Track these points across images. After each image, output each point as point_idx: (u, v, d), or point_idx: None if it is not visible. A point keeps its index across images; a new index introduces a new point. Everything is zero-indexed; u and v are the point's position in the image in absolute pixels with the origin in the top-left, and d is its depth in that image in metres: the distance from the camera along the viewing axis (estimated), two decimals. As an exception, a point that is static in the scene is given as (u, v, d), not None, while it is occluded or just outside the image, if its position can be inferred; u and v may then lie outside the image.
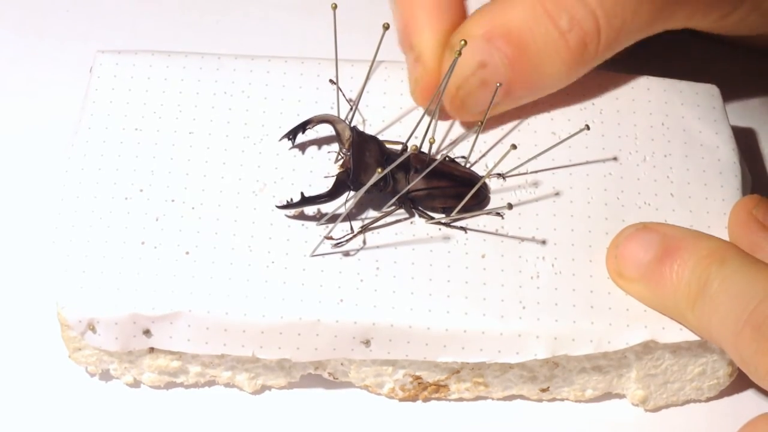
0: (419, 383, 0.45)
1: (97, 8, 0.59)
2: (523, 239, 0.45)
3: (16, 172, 0.52)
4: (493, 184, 0.46)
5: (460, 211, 0.45)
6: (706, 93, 0.50)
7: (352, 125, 0.45)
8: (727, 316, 0.41)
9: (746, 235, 0.44)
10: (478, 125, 0.45)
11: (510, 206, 0.43)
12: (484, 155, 0.47)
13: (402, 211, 0.45)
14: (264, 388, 0.46)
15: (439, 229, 0.45)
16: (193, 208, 0.45)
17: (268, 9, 0.59)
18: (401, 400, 0.46)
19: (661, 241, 0.43)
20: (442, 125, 0.47)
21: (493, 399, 0.47)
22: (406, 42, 0.47)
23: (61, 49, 0.57)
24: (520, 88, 0.46)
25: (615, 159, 0.47)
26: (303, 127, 0.46)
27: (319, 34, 0.50)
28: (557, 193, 0.46)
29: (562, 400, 0.47)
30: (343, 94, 0.48)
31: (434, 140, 0.45)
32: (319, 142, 0.47)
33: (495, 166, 0.45)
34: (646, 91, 0.49)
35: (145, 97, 0.48)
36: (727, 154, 0.48)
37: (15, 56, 0.57)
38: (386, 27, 0.44)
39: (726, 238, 0.45)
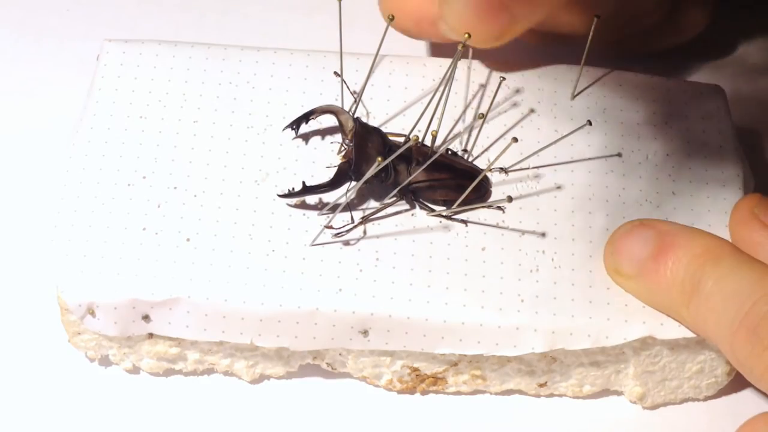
0: (417, 375, 0.45)
1: (97, 7, 0.59)
2: (523, 233, 0.45)
3: (18, 160, 0.53)
4: (494, 177, 0.47)
5: (461, 204, 0.45)
6: (710, 92, 0.50)
7: (355, 117, 0.46)
8: (722, 317, 0.41)
9: (748, 234, 0.44)
10: (481, 119, 0.45)
11: (510, 199, 0.44)
12: (486, 149, 0.47)
13: (403, 202, 0.46)
14: (262, 377, 0.46)
15: (440, 221, 0.45)
16: (195, 195, 0.45)
17: (270, 7, 0.59)
18: (399, 392, 0.46)
19: (657, 238, 0.43)
20: (446, 119, 0.47)
21: (490, 393, 0.47)
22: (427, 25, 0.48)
23: (62, 47, 0.57)
24: (523, 9, 0.46)
25: (617, 156, 0.47)
26: (306, 117, 0.46)
27: (322, 31, 0.51)
28: (558, 188, 0.46)
29: (560, 395, 0.47)
30: (348, 87, 0.48)
31: (437, 133, 0.45)
32: (323, 133, 0.47)
33: (496, 159, 0.45)
34: (650, 90, 0.49)
35: (150, 86, 0.48)
36: (729, 153, 0.48)
37: (15, 55, 0.57)
38: (391, 19, 0.44)
39: (727, 236, 0.45)
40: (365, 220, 0.45)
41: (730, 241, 0.44)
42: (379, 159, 0.41)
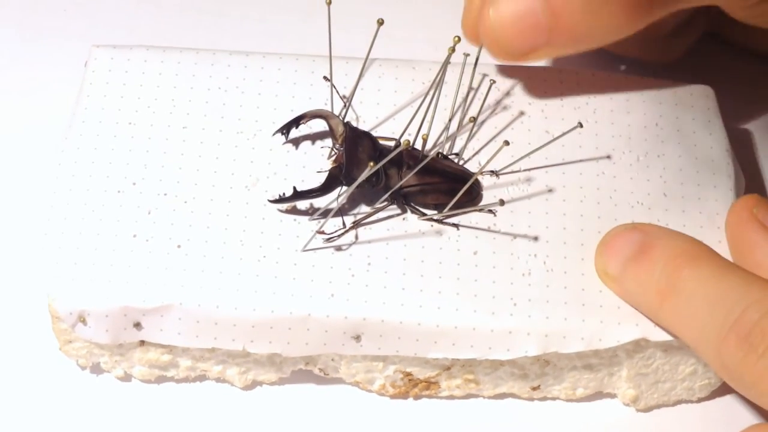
0: (410, 380, 0.45)
1: (94, 8, 0.59)
2: (515, 236, 0.45)
3: (10, 167, 0.52)
4: (486, 181, 0.46)
5: (453, 208, 0.45)
6: (701, 94, 0.50)
7: (345, 121, 0.45)
8: (707, 322, 0.41)
9: (746, 234, 0.44)
10: (471, 122, 0.45)
11: (502, 203, 0.43)
12: (477, 152, 0.47)
13: (394, 207, 0.45)
14: (255, 384, 0.46)
15: (431, 225, 0.45)
16: (185, 201, 0.45)
17: (265, 10, 0.59)
18: (392, 397, 0.46)
19: (640, 240, 0.43)
20: (436, 122, 0.46)
21: (483, 397, 0.47)
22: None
23: (59, 48, 0.57)
24: (563, 39, 0.45)
25: (608, 158, 0.47)
26: (296, 122, 0.46)
27: (316, 36, 0.50)
28: (550, 191, 0.46)
29: (553, 399, 0.47)
30: (337, 91, 0.48)
31: (427, 137, 0.45)
32: (313, 138, 0.47)
33: (487, 162, 0.45)
34: (641, 91, 0.49)
35: (139, 92, 0.48)
36: (720, 154, 0.48)
37: (14, 55, 0.57)
38: (380, 23, 0.44)
39: (718, 237, 0.45)
40: (357, 224, 0.45)
41: (725, 242, 0.45)
42: (371, 164, 0.41)
